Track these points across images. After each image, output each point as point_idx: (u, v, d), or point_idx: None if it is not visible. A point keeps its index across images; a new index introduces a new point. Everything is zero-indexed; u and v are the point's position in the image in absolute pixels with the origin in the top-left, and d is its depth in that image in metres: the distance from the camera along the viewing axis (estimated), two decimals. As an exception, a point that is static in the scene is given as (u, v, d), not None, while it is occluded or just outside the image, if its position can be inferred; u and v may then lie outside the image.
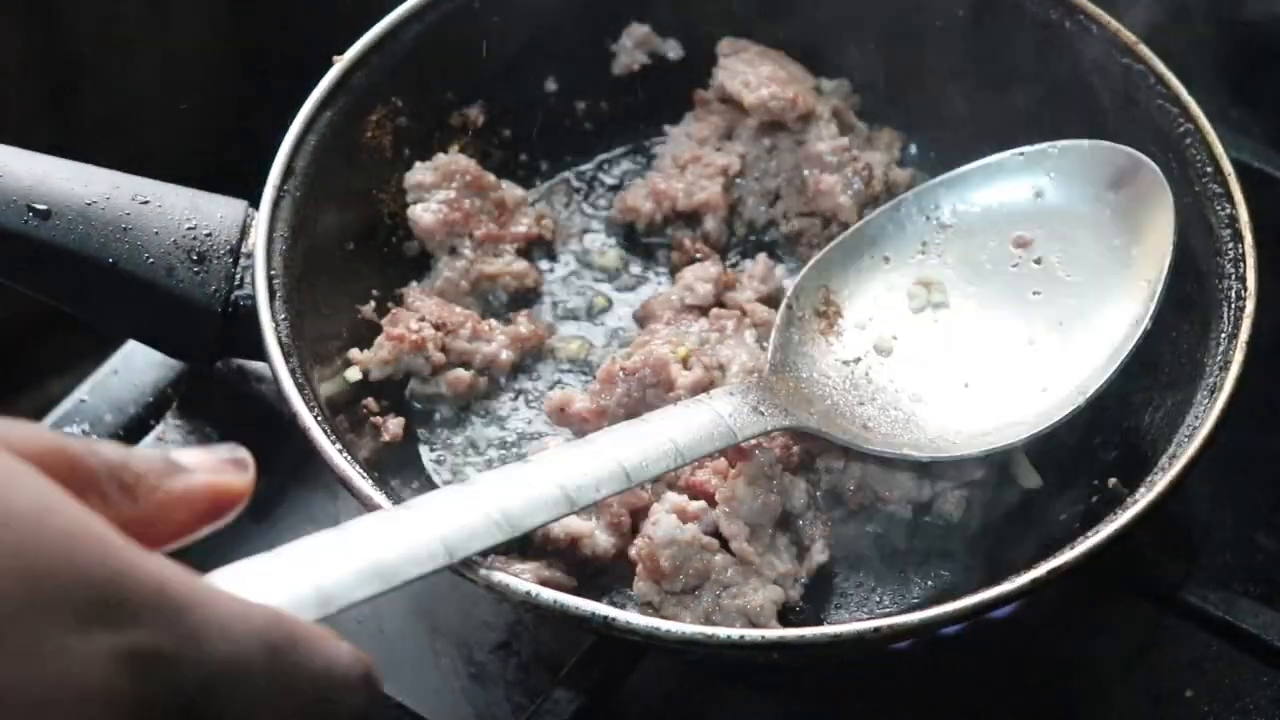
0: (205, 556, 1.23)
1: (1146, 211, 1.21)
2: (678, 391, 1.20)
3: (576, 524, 1.13)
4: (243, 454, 0.76)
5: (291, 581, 0.81)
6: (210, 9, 1.67)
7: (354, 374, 1.24)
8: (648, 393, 1.20)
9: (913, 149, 1.46)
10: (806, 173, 1.38)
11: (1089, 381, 1.17)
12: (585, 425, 1.20)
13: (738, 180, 1.41)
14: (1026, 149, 1.28)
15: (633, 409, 1.19)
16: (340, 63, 1.27)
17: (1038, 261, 1.26)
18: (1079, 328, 1.21)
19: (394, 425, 1.23)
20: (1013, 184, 1.28)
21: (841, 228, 1.36)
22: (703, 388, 1.21)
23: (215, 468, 0.74)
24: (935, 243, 1.29)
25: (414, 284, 1.33)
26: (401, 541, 0.89)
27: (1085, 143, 1.26)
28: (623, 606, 1.08)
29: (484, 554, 0.96)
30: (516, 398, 1.30)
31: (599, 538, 1.14)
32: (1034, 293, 1.24)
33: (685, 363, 1.23)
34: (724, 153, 1.41)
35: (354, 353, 1.25)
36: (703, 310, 1.31)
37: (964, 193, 1.30)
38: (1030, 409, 1.19)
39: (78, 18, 1.57)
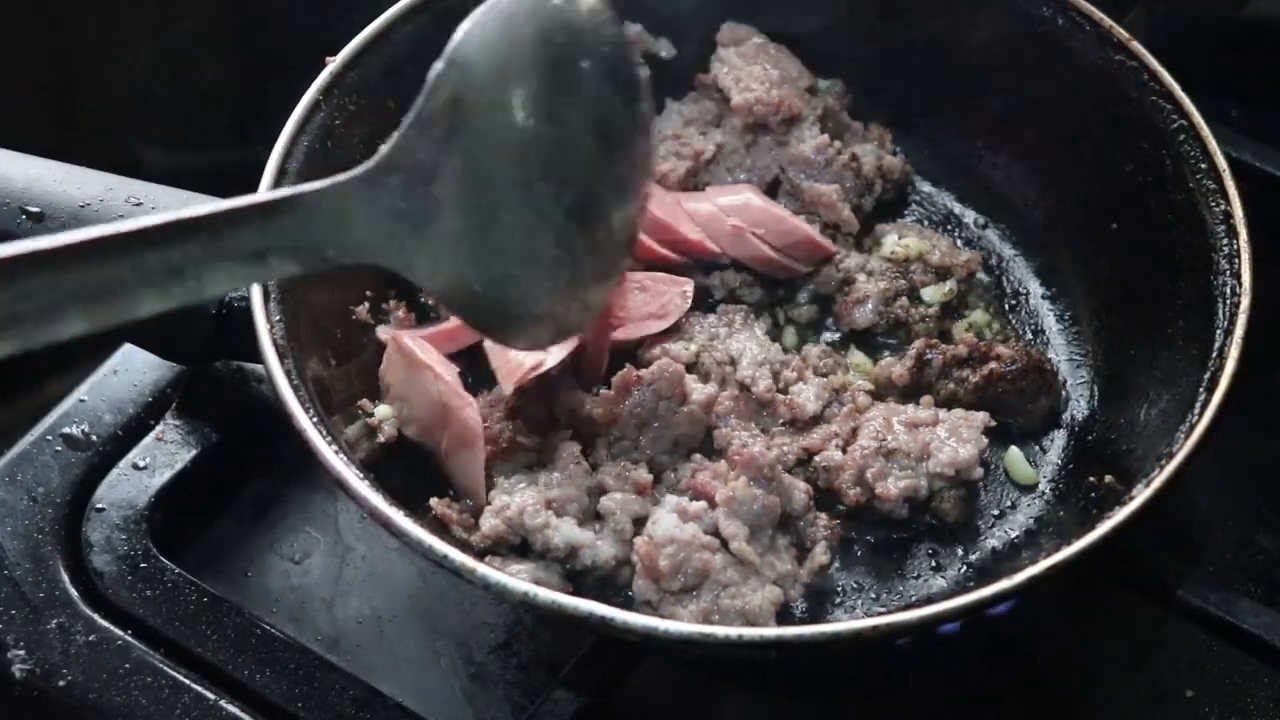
0: (204, 555, 1.24)
1: None
2: (691, 405, 1.20)
3: (576, 534, 1.13)
4: None
5: None
6: (208, 11, 1.67)
7: (389, 428, 1.21)
8: (660, 405, 1.20)
9: (901, 145, 1.46)
10: (798, 177, 1.38)
11: None
12: (595, 428, 1.20)
13: (709, 166, 1.40)
14: None
15: (645, 419, 1.19)
16: (332, 64, 1.27)
17: None
18: None
19: (390, 426, 1.22)
20: None
21: (843, 233, 1.37)
22: (715, 401, 1.21)
23: None
24: None
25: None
26: None
27: None
28: (622, 606, 1.08)
29: None
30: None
31: (600, 547, 1.13)
32: None
33: (698, 369, 1.24)
34: (706, 138, 1.41)
35: (364, 403, 1.23)
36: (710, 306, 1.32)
37: None
38: None
39: (78, 19, 1.58)
